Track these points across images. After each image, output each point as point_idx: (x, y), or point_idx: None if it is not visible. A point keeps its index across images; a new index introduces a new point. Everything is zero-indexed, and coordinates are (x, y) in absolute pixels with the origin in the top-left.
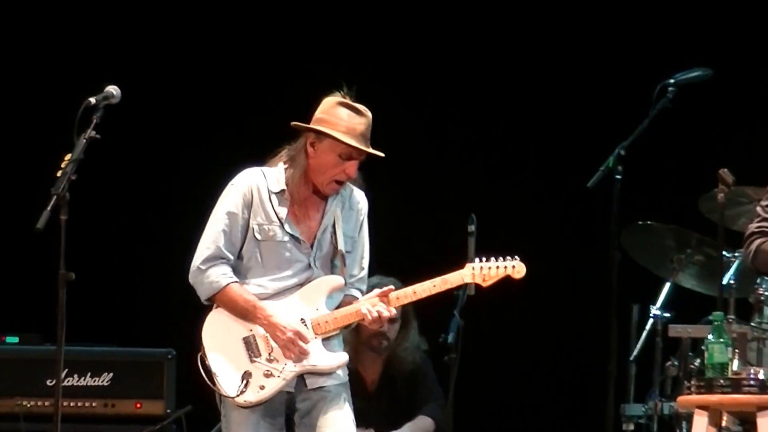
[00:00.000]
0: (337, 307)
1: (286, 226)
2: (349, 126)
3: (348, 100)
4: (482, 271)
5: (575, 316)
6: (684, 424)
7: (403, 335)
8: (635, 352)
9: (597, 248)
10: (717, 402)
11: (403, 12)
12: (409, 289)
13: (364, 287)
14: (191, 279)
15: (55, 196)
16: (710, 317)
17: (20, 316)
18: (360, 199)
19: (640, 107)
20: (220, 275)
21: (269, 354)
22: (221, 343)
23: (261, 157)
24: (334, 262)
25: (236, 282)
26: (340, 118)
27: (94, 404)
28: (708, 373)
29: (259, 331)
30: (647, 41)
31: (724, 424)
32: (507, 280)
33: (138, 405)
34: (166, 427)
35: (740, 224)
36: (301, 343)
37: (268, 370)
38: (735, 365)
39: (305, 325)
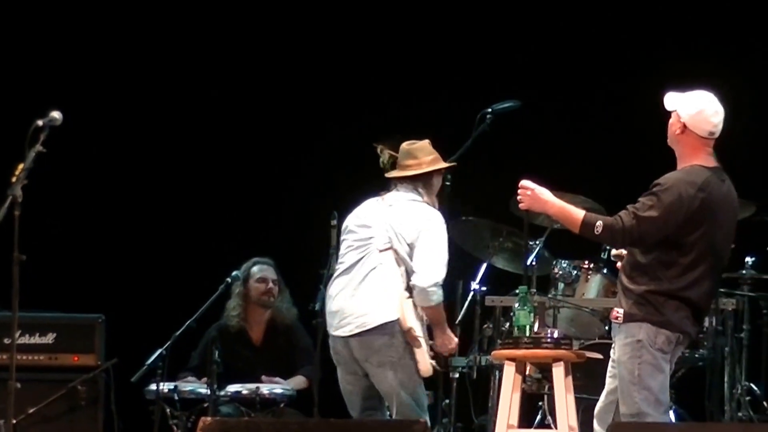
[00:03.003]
0: None
1: None
2: None
3: (421, 141)
4: None
5: None
6: (497, 372)
7: (282, 295)
8: (459, 318)
9: None
10: (522, 355)
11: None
12: None
13: None
14: (432, 288)
15: (10, 197)
16: (517, 290)
17: None
18: None
19: (464, 130)
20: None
21: (430, 344)
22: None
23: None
24: None
25: None
26: (436, 152)
27: (41, 357)
28: (515, 333)
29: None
30: (468, 80)
31: (527, 372)
32: None
33: (76, 358)
34: (98, 375)
35: (540, 219)
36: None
37: (431, 354)
38: (536, 327)
39: None
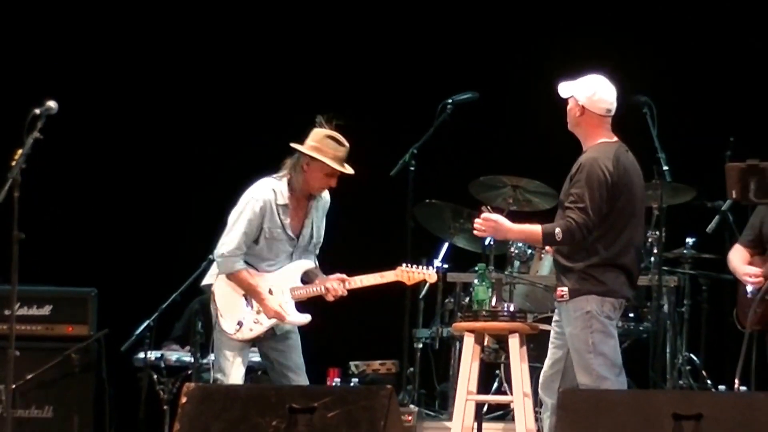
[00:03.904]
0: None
1: (287, 230)
2: (335, 154)
3: (333, 133)
4: (407, 274)
5: (382, 267)
6: (457, 343)
7: None
8: (423, 292)
9: (398, 218)
10: (480, 327)
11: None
12: (358, 278)
13: (317, 251)
14: (218, 259)
15: (10, 180)
16: (476, 268)
17: None
18: (326, 196)
19: (427, 119)
20: (237, 263)
21: (258, 310)
22: (227, 296)
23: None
24: (309, 248)
25: (245, 269)
26: (329, 147)
27: (38, 328)
28: (474, 306)
29: None
30: (431, 73)
31: (485, 343)
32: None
33: (70, 328)
34: (90, 344)
35: (498, 202)
36: (279, 316)
37: (256, 320)
38: (493, 301)
39: (285, 292)
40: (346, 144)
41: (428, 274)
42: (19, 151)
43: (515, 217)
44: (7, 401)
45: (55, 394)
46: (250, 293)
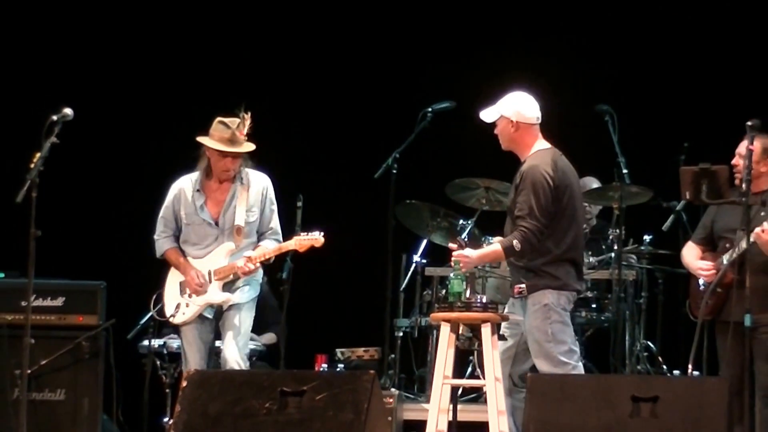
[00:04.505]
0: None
1: (201, 214)
2: (221, 136)
3: (224, 118)
4: (299, 241)
5: (366, 262)
6: (434, 332)
7: None
8: (403, 285)
9: (380, 217)
10: (456, 317)
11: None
12: (260, 251)
13: (278, 236)
14: (155, 242)
15: (28, 181)
16: (452, 262)
17: (4, 260)
18: (259, 178)
19: (408, 126)
20: (164, 244)
21: (189, 293)
22: (170, 285)
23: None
24: (233, 232)
25: (173, 248)
26: (216, 131)
27: (52, 317)
28: (450, 298)
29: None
30: (412, 84)
31: (460, 331)
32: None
33: (81, 318)
34: (99, 333)
35: (471, 202)
36: (200, 289)
37: (188, 303)
38: (467, 293)
39: (211, 274)
40: (232, 126)
41: (316, 239)
42: (37, 155)
43: (488, 215)
44: (23, 385)
45: (66, 378)
46: (179, 268)
